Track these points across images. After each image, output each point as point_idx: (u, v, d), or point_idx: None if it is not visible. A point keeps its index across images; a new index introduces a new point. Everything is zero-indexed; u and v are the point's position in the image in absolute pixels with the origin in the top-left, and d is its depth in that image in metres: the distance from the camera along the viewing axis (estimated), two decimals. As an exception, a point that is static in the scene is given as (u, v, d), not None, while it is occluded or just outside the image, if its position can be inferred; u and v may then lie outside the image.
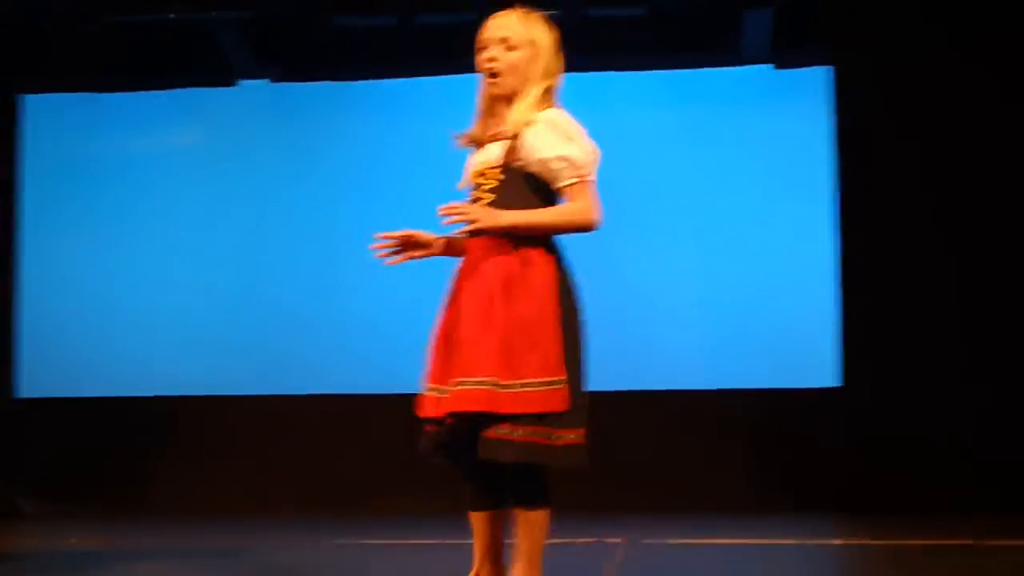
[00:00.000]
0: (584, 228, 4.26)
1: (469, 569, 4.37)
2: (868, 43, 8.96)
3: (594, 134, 8.62)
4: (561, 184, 4.20)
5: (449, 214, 4.13)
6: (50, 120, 10.02)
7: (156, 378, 9.78)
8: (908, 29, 8.87)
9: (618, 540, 7.04)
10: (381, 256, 4.33)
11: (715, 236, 9.60)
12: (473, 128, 4.38)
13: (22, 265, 9.39)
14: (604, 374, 9.25)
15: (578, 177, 4.20)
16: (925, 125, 8.80)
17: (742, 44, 9.42)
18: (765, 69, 9.65)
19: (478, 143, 4.35)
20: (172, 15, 9.27)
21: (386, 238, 4.31)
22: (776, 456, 9.28)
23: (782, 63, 9.60)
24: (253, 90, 10.07)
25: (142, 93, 10.08)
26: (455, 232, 4.32)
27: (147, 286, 9.94)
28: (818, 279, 9.20)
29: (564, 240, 4.30)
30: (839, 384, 9.02)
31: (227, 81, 10.02)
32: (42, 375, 9.61)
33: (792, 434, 9.28)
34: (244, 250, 9.94)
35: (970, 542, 6.78)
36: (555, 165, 4.18)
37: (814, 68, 9.49)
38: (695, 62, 9.67)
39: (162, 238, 9.99)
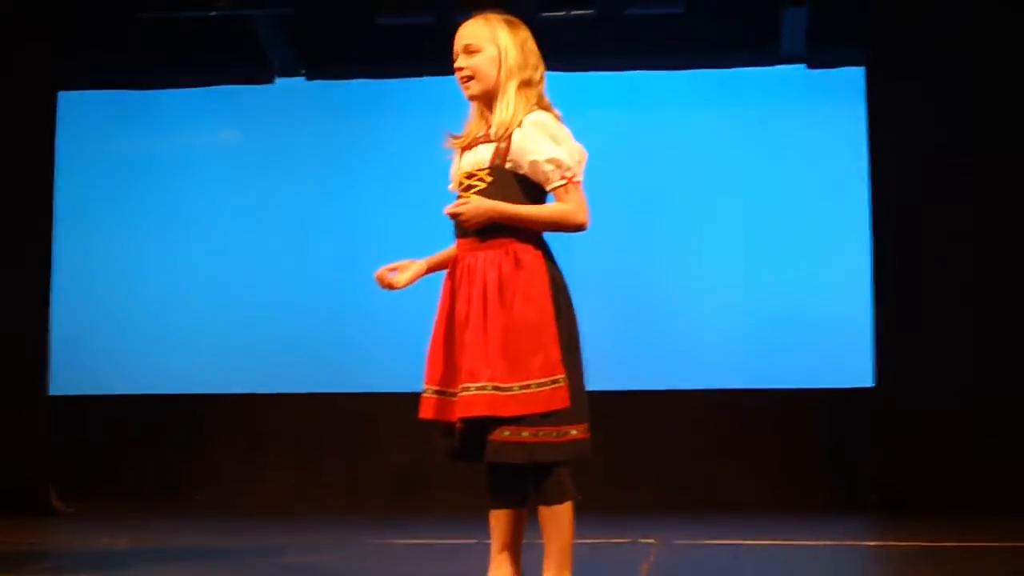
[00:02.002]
0: (573, 228, 4.34)
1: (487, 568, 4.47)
2: (901, 43, 8.88)
3: (630, 133, 8.59)
4: (551, 186, 4.30)
5: (448, 214, 4.29)
6: (88, 117, 10.01)
7: (190, 376, 9.76)
8: (942, 28, 8.80)
9: (652, 540, 7.00)
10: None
11: (750, 236, 9.56)
12: (462, 131, 4.51)
13: (57, 263, 9.37)
14: (640, 374, 9.31)
15: (566, 179, 4.29)
16: (960, 125, 8.74)
17: (779, 44, 9.38)
18: (799, 69, 9.63)
19: (466, 145, 4.46)
20: (213, 12, 9.29)
21: (379, 280, 4.59)
22: (810, 456, 9.24)
23: (816, 63, 9.60)
24: (291, 87, 10.09)
25: (180, 90, 10.08)
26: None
27: (184, 283, 9.93)
28: (854, 279, 9.16)
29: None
30: (872, 384, 8.94)
31: (265, 78, 10.03)
32: (75, 373, 9.58)
33: (826, 434, 9.24)
34: (282, 246, 9.93)
35: (1004, 544, 6.70)
36: (545, 167, 4.28)
37: (848, 68, 9.47)
38: (731, 61, 9.66)
39: (198, 234, 9.98)
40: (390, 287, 4.51)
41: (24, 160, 9.17)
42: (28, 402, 9.09)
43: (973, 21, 8.76)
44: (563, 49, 8.85)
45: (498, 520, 4.44)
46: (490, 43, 4.38)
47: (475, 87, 4.39)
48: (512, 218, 4.26)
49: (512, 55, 4.38)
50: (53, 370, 9.30)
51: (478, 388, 4.16)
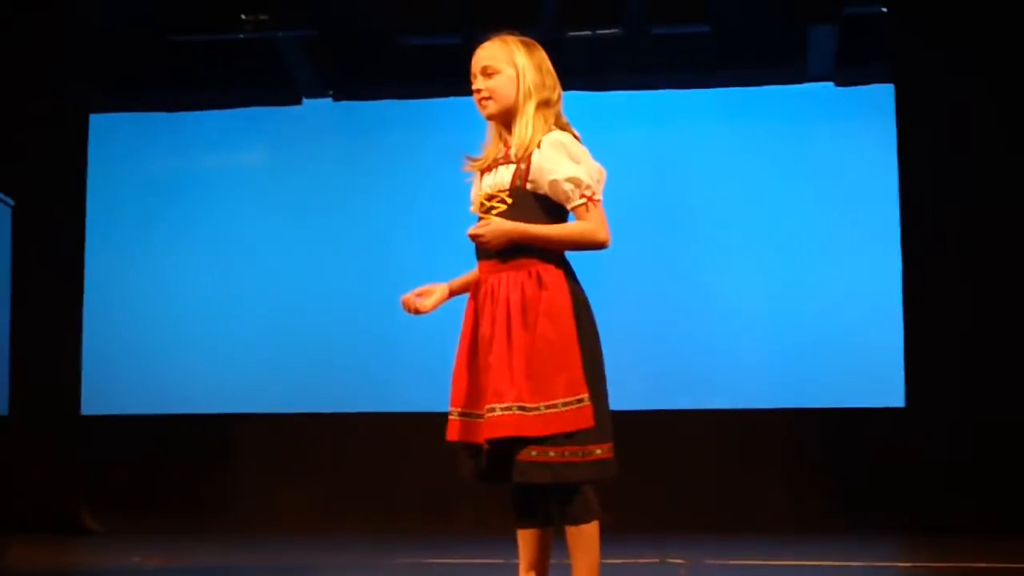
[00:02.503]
0: (594, 246, 4.35)
1: None
2: (929, 61, 8.86)
3: (658, 151, 8.58)
4: (572, 205, 4.32)
5: (470, 235, 4.30)
6: (119, 139, 10.04)
7: (219, 396, 9.76)
8: (968, 46, 8.76)
9: (681, 561, 6.97)
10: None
11: (779, 254, 9.54)
12: (481, 153, 4.53)
13: (89, 284, 9.40)
14: (667, 394, 9.28)
15: (586, 197, 4.30)
16: (991, 143, 8.69)
17: (807, 62, 9.38)
18: (827, 87, 9.62)
19: (485, 167, 4.47)
20: (241, 35, 9.33)
21: (405, 305, 4.55)
22: (840, 476, 9.20)
23: (844, 80, 9.59)
24: (318, 108, 10.12)
25: (210, 111, 10.13)
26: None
27: (213, 303, 9.94)
28: (884, 298, 9.10)
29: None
30: (903, 404, 8.90)
31: (293, 99, 10.07)
32: (106, 393, 9.60)
33: (857, 454, 9.20)
34: (309, 265, 9.94)
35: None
36: (565, 187, 4.29)
37: (876, 85, 9.45)
38: (759, 79, 9.64)
39: (227, 253, 10.01)
40: (417, 312, 4.48)
41: (57, 181, 9.21)
42: (61, 422, 9.11)
43: (1001, 37, 8.72)
44: (589, 68, 8.87)
45: (525, 539, 4.46)
46: (508, 64, 4.40)
47: (492, 107, 4.40)
48: (533, 239, 4.26)
49: (530, 75, 4.40)
50: (85, 390, 9.32)
51: (504, 409, 4.17)
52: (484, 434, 4.20)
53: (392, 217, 9.85)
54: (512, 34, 4.49)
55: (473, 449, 4.31)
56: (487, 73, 4.40)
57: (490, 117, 4.44)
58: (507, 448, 4.18)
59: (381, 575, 6.64)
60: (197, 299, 9.96)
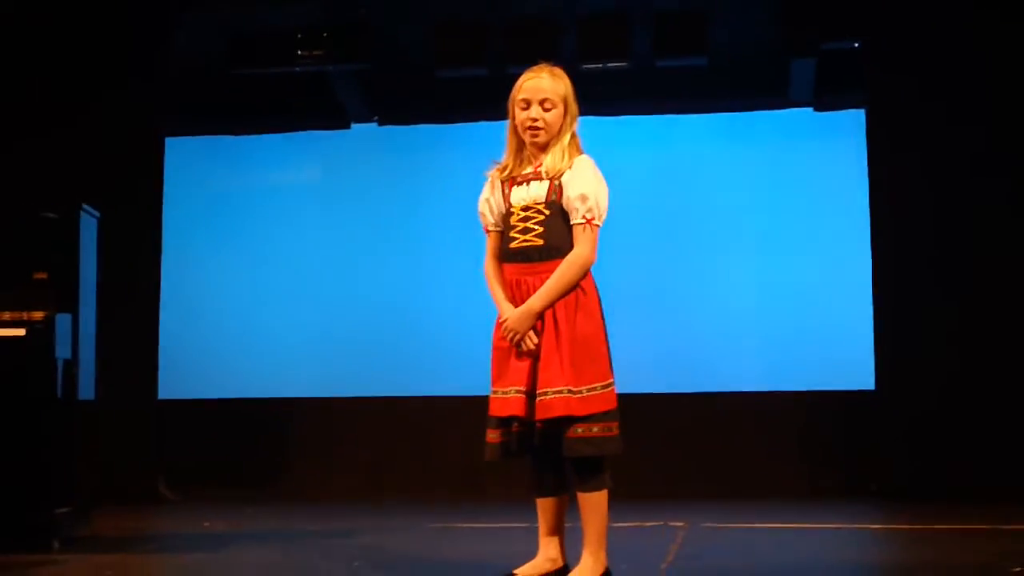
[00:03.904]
0: (585, 270, 4.37)
1: (536, 548, 4.56)
2: (896, 89, 8.86)
3: (658, 167, 8.55)
4: (574, 221, 4.36)
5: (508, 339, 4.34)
6: (189, 159, 10.08)
7: (276, 382, 9.82)
8: (932, 76, 8.77)
9: (681, 524, 6.97)
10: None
11: (764, 258, 9.60)
12: (507, 165, 4.53)
13: (165, 287, 9.44)
14: (669, 378, 9.31)
15: (586, 220, 4.34)
16: (950, 158, 8.70)
17: (789, 90, 9.41)
18: (808, 111, 9.68)
19: (512, 179, 4.49)
20: (297, 68, 9.37)
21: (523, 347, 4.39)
22: (820, 450, 9.24)
23: (822, 106, 9.65)
24: (365, 132, 10.16)
25: (268, 135, 10.18)
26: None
27: (272, 303, 10.00)
28: (856, 294, 9.10)
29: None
30: (873, 387, 8.90)
31: (342, 124, 10.12)
32: (180, 380, 9.64)
33: (834, 430, 9.23)
34: (356, 270, 9.98)
35: (991, 527, 6.65)
36: (575, 202, 4.34)
37: (850, 110, 9.47)
38: (747, 105, 9.69)
39: (284, 260, 10.06)
40: (529, 348, 4.34)
41: (138, 195, 9.25)
42: (141, 405, 9.14)
43: (962, 68, 8.72)
44: (598, 97, 8.89)
45: (544, 507, 4.52)
46: (560, 100, 4.41)
47: (543, 137, 4.41)
48: (548, 303, 4.30)
49: (572, 111, 4.44)
50: (161, 377, 9.35)
51: (555, 392, 4.23)
52: (538, 414, 4.25)
53: (428, 224, 9.88)
54: (553, 65, 4.50)
55: (507, 425, 4.35)
56: (545, 107, 4.39)
57: (534, 144, 4.43)
58: (551, 426, 4.25)
59: (417, 536, 6.65)
60: (258, 300, 10.01)
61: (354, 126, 10.15)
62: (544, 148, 4.43)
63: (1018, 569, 4.90)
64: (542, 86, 4.41)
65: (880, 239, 8.84)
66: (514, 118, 4.46)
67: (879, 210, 8.85)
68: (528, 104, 4.40)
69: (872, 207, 8.88)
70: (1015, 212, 8.60)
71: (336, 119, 10.09)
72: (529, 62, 4.59)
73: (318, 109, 10.01)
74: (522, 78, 4.47)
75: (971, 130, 8.67)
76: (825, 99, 9.57)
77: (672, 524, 6.97)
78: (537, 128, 4.39)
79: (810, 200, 9.56)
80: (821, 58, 9.14)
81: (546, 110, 4.38)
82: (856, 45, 9.14)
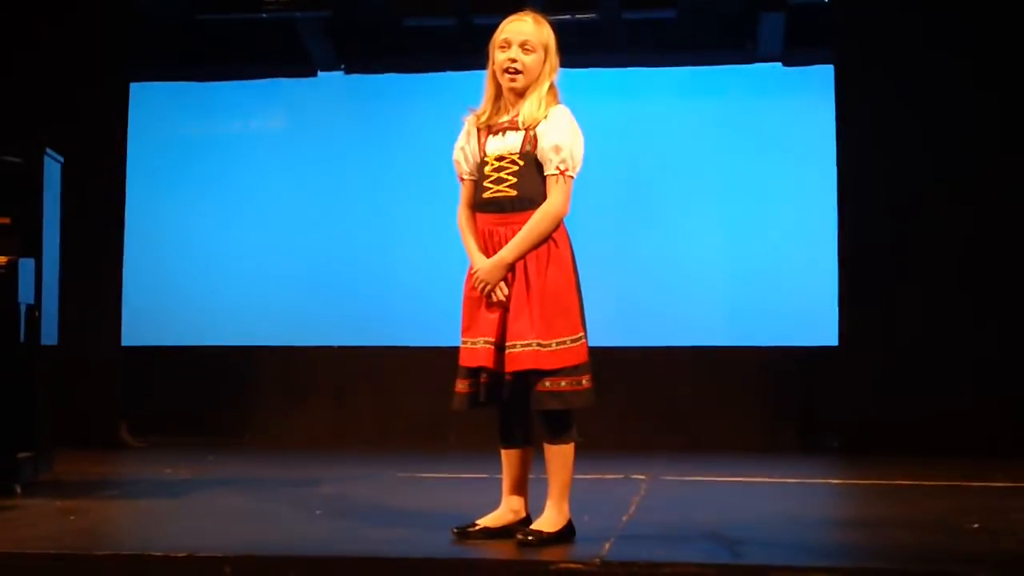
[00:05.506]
0: (557, 222, 4.33)
1: (499, 499, 4.58)
2: (864, 45, 8.87)
3: (626, 121, 8.52)
4: (547, 171, 4.31)
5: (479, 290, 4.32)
6: (155, 104, 10.00)
7: (240, 330, 9.79)
8: (904, 31, 8.77)
9: (643, 476, 7.00)
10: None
11: (732, 214, 9.61)
12: (484, 112, 4.47)
13: (128, 233, 9.38)
14: (634, 332, 9.31)
15: (559, 171, 4.30)
16: (917, 113, 8.73)
17: (758, 44, 9.40)
18: (776, 66, 9.64)
19: (488, 127, 4.43)
20: (263, 14, 9.31)
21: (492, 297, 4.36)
22: (784, 406, 9.29)
23: (790, 61, 9.62)
24: (330, 80, 10.08)
25: (234, 83, 10.11)
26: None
27: (236, 250, 9.95)
28: (822, 252, 9.13)
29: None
30: (836, 343, 8.93)
31: (308, 72, 10.04)
32: (143, 327, 9.61)
33: (797, 386, 9.28)
34: (321, 218, 9.95)
35: (949, 483, 6.70)
36: (549, 154, 4.29)
37: (818, 66, 9.45)
38: (716, 59, 9.68)
39: (249, 208, 10.02)
40: (499, 300, 4.32)
41: (101, 141, 9.18)
42: (104, 351, 9.10)
43: (931, 26, 8.72)
44: (567, 48, 8.84)
45: (509, 458, 4.52)
46: (541, 47, 4.37)
47: (521, 81, 4.36)
48: (519, 255, 4.27)
49: (553, 61, 4.40)
50: (125, 324, 9.31)
51: (524, 345, 4.21)
52: (507, 367, 4.23)
53: (394, 174, 9.84)
54: (535, 13, 4.46)
55: (475, 375, 4.33)
56: (525, 49, 4.35)
57: (512, 90, 4.38)
58: (500, 378, 4.25)
59: (382, 486, 6.64)
60: (221, 246, 9.97)
61: (320, 74, 10.07)
62: (522, 94, 4.38)
63: (977, 525, 4.93)
64: (524, 29, 4.38)
65: (846, 195, 8.86)
66: (493, 62, 4.41)
67: (846, 166, 8.86)
68: (508, 45, 4.36)
69: (839, 163, 8.89)
70: (979, 168, 8.62)
71: (302, 67, 10.00)
72: (497, 12, 4.55)
73: (284, 57, 9.92)
74: (505, 21, 4.43)
75: (938, 87, 8.69)
76: (794, 54, 9.54)
77: (634, 477, 7.00)
78: (516, 72, 4.34)
79: (777, 155, 9.56)
80: (790, 13, 9.14)
81: (526, 52, 4.34)
82: (825, 0, 9.13)
